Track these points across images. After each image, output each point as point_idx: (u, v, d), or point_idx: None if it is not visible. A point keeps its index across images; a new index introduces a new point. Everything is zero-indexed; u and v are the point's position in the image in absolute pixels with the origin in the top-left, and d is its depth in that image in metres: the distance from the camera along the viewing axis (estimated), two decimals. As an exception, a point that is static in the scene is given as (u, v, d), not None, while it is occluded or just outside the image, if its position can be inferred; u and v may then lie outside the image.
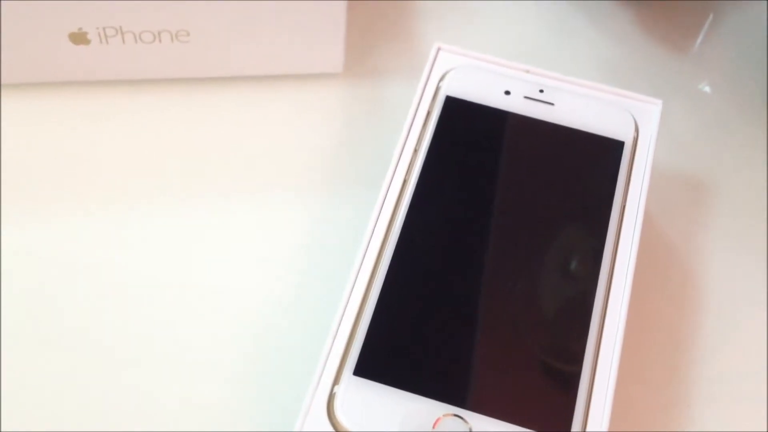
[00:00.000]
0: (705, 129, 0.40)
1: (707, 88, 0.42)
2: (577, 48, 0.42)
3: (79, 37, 0.36)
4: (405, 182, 0.32)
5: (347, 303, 0.29)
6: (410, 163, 0.32)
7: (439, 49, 0.35)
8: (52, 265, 0.34)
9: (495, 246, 0.31)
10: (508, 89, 0.34)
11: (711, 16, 0.44)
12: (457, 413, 0.27)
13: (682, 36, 0.43)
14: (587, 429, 0.27)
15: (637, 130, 0.33)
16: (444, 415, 0.27)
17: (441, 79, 0.34)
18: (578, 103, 0.34)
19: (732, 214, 0.38)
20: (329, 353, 0.28)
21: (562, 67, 0.41)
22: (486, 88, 0.34)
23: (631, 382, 0.33)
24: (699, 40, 0.44)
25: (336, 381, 0.28)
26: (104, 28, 0.36)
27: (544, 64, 0.36)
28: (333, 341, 0.28)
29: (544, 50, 0.42)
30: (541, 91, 0.34)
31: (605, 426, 0.27)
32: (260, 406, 0.31)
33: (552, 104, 0.34)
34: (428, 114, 0.33)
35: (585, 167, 0.33)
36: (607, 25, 0.43)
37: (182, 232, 0.35)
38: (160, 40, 0.36)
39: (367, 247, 0.30)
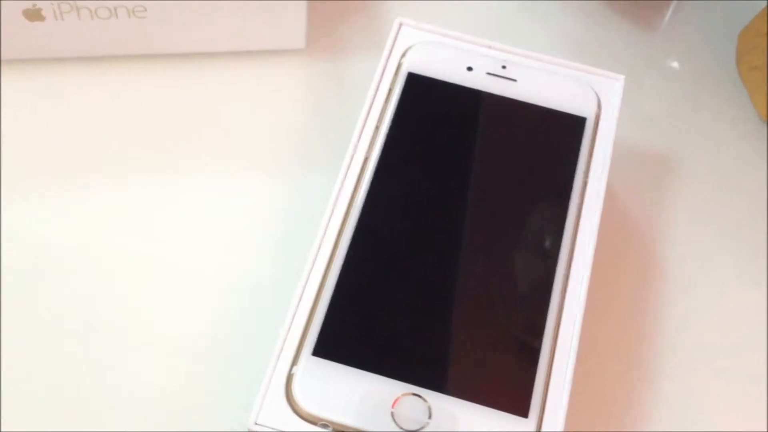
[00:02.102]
0: (673, 105, 0.40)
1: (675, 64, 0.42)
2: (544, 26, 0.42)
3: (33, 14, 0.35)
4: (366, 160, 0.31)
5: (306, 283, 0.29)
6: (371, 141, 0.32)
7: (401, 25, 0.35)
8: (15, 245, 0.33)
9: (455, 224, 0.30)
10: (471, 65, 0.34)
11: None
12: (416, 392, 0.27)
13: (650, 13, 0.43)
14: (547, 407, 0.27)
15: (599, 105, 0.33)
16: (403, 395, 0.27)
17: (403, 55, 0.34)
18: (541, 79, 0.33)
19: (698, 190, 0.38)
20: (288, 333, 0.28)
21: (529, 45, 0.40)
22: (448, 64, 0.34)
23: (592, 359, 0.33)
24: (667, 17, 0.43)
25: (294, 362, 0.27)
26: (59, 4, 0.35)
27: (511, 41, 0.35)
28: (291, 321, 0.28)
29: (511, 28, 0.42)
30: (504, 67, 0.34)
31: (564, 403, 0.27)
32: (224, 388, 0.31)
33: (514, 80, 0.33)
34: (390, 90, 0.33)
35: (547, 144, 0.32)
36: (574, 6, 0.43)
37: (143, 211, 0.35)
38: (116, 16, 0.36)
39: (327, 226, 0.30)
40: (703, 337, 0.34)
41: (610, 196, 0.37)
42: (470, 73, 0.33)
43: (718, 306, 0.35)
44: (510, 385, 0.27)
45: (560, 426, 0.27)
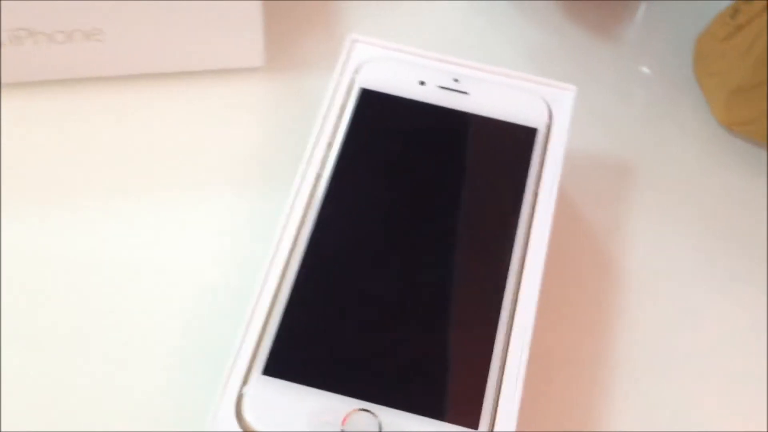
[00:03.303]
0: (633, 112, 0.41)
1: (636, 72, 0.42)
2: (504, 37, 0.42)
3: (-11, 40, 0.35)
4: (318, 177, 0.32)
5: (257, 301, 0.29)
6: (324, 158, 0.32)
7: (354, 41, 0.35)
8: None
9: (407, 240, 0.31)
10: (423, 79, 0.34)
11: (642, 7, 0.44)
12: (366, 408, 0.27)
13: (610, 22, 0.43)
14: (497, 418, 0.27)
15: (551, 116, 0.33)
16: (353, 411, 0.27)
17: (356, 72, 0.34)
18: (492, 92, 0.34)
19: (658, 197, 0.38)
20: (238, 353, 0.28)
21: (488, 58, 0.40)
22: (401, 79, 0.34)
23: (549, 369, 0.33)
24: (631, 30, 0.44)
25: (245, 381, 0.27)
26: (15, 30, 0.35)
27: (470, 55, 0.36)
28: (242, 341, 0.28)
29: (470, 41, 0.42)
30: (456, 80, 0.34)
31: (515, 413, 0.28)
32: (175, 407, 0.31)
33: (467, 93, 0.34)
34: (343, 107, 0.33)
35: (499, 156, 0.33)
36: (536, 15, 0.43)
37: (105, 230, 0.35)
38: (73, 40, 0.36)
39: (278, 244, 0.30)
40: (663, 343, 0.34)
41: (569, 205, 0.37)
42: (423, 87, 0.34)
43: (679, 313, 0.35)
44: (459, 398, 0.28)
45: (512, 436, 0.27)
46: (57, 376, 0.32)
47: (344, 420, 0.27)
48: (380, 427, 0.27)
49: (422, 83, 0.34)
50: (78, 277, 0.34)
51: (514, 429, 0.27)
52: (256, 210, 0.36)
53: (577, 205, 0.38)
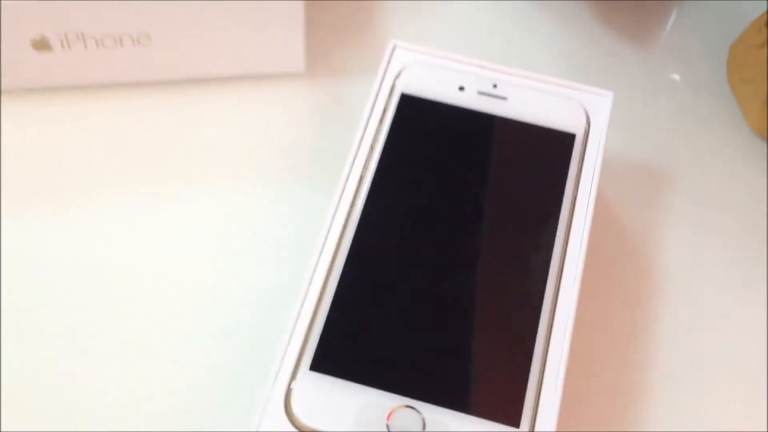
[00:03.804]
0: (668, 119, 0.41)
1: (670, 79, 0.42)
2: (538, 44, 0.43)
3: (41, 44, 0.36)
4: (362, 179, 0.32)
5: (304, 299, 0.30)
6: (366, 161, 0.33)
7: (394, 47, 0.36)
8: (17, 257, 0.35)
9: (449, 241, 0.31)
10: (462, 85, 0.35)
11: (675, 12, 0.45)
12: (410, 404, 0.28)
13: (645, 29, 0.44)
14: (538, 416, 0.28)
15: (588, 122, 0.34)
16: (397, 407, 0.28)
17: (396, 77, 0.35)
18: (531, 97, 0.34)
19: (692, 203, 0.38)
20: (286, 349, 0.29)
21: (524, 63, 0.41)
22: (440, 85, 0.35)
23: (587, 369, 0.34)
24: (664, 35, 0.44)
25: (293, 377, 0.28)
26: (66, 34, 0.36)
27: (506, 60, 0.36)
28: (290, 337, 0.29)
29: (507, 47, 0.42)
30: (495, 86, 0.35)
31: (556, 412, 0.28)
32: (218, 402, 0.32)
33: (505, 99, 0.34)
34: (384, 111, 0.34)
35: (537, 161, 0.33)
36: (570, 22, 0.44)
37: (146, 230, 0.36)
38: (121, 45, 0.37)
39: (324, 244, 0.31)
40: (699, 346, 0.35)
41: (605, 209, 0.38)
42: (462, 92, 0.34)
43: (714, 316, 0.36)
44: (501, 396, 0.28)
45: (552, 435, 0.28)
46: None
47: (389, 416, 0.28)
48: (424, 423, 0.28)
49: (461, 89, 0.35)
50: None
51: (554, 426, 0.28)
52: (297, 210, 0.37)
53: (611, 208, 0.38)
